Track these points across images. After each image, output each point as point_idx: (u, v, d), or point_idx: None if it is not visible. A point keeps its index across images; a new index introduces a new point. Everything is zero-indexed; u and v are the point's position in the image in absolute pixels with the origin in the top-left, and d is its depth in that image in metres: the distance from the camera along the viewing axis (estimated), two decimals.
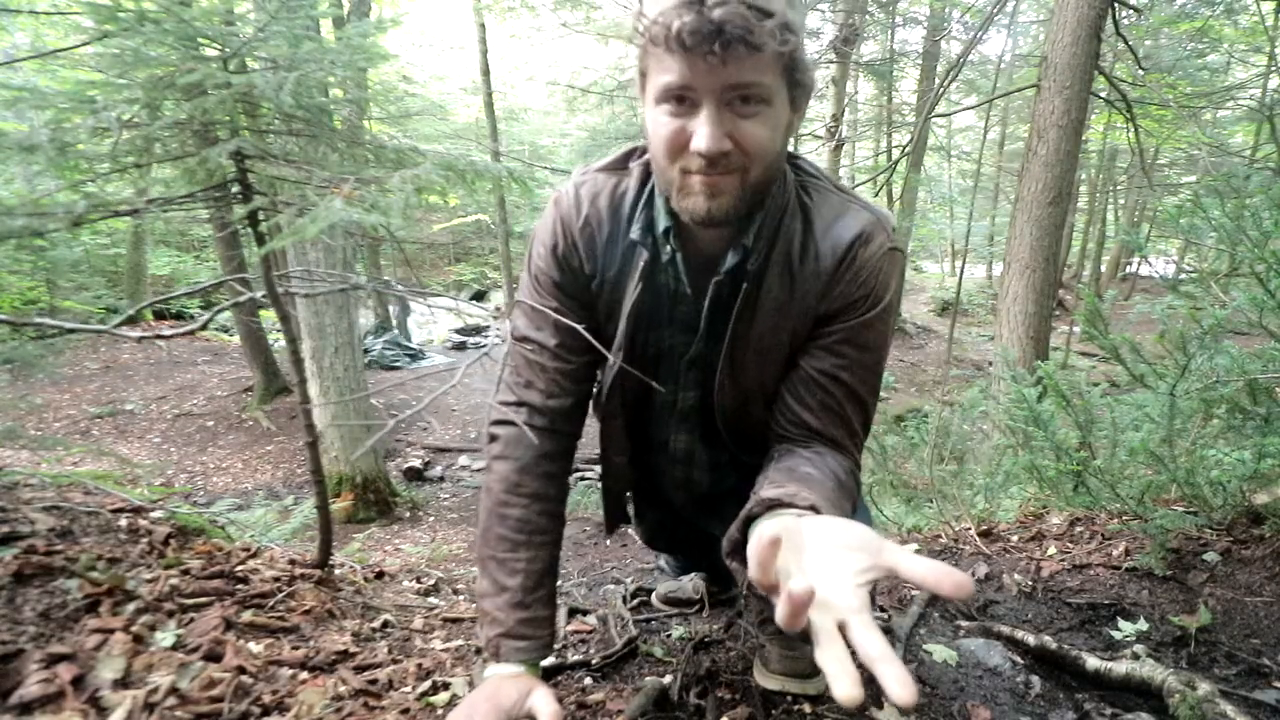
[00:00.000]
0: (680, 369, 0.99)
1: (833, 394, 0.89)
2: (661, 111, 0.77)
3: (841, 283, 0.86)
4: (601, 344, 0.95)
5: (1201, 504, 1.77)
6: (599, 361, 1.00)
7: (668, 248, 0.88)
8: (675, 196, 0.81)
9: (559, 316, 0.94)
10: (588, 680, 1.25)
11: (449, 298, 1.40)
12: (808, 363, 0.90)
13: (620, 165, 0.95)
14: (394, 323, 11.18)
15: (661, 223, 0.88)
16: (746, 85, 0.72)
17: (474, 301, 15.76)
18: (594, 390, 1.06)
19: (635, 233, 0.90)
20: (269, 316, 7.24)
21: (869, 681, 1.37)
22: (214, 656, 1.06)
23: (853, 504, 0.87)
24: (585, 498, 4.97)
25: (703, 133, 0.74)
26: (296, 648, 1.19)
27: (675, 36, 0.69)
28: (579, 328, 0.93)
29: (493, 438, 1.00)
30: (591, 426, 1.10)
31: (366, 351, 8.60)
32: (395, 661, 1.25)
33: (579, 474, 5.29)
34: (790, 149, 0.90)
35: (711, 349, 0.94)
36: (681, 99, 0.75)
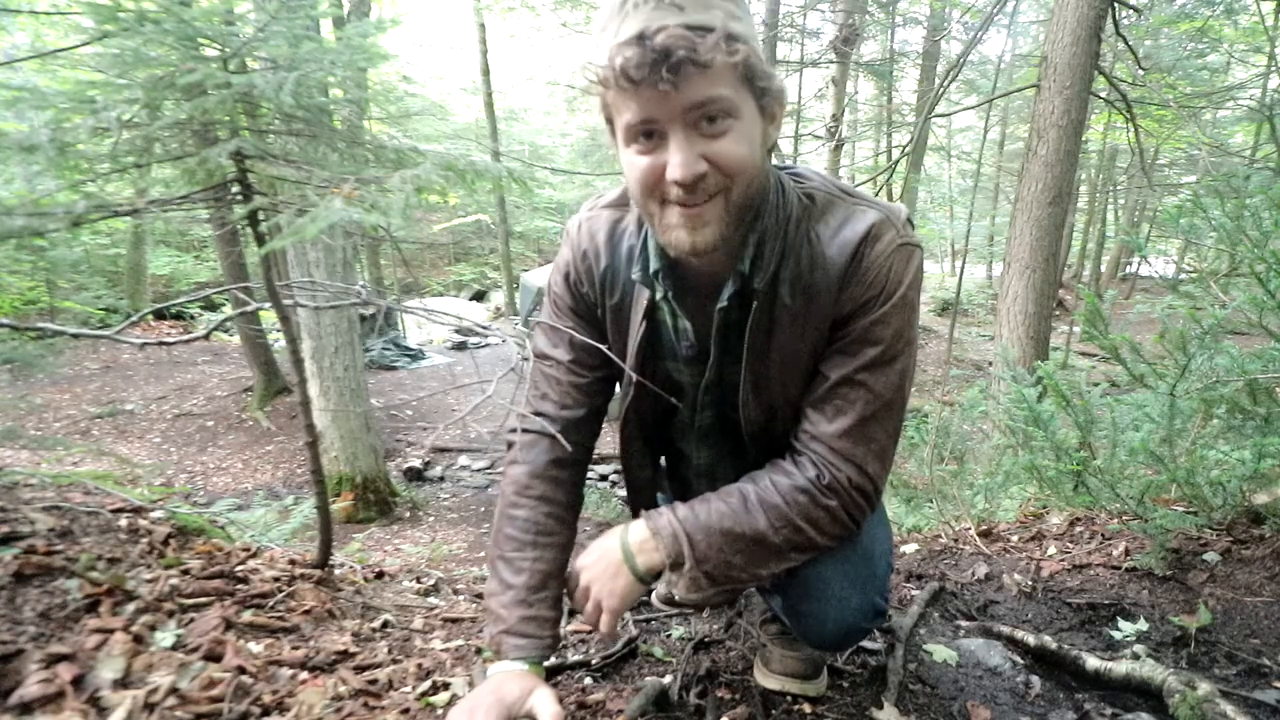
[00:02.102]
0: (696, 395, 1.02)
1: (847, 397, 0.87)
2: (632, 152, 0.78)
3: (852, 284, 0.85)
4: (614, 367, 1.02)
5: (1201, 504, 1.77)
6: (611, 376, 1.06)
7: (660, 288, 0.91)
8: (659, 232, 0.83)
9: (575, 334, 1.01)
10: (588, 680, 1.25)
11: (440, 311, 1.40)
12: (825, 367, 0.89)
13: (623, 201, 0.99)
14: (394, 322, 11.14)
15: (653, 263, 0.90)
16: (707, 102, 0.72)
17: (474, 301, 15.76)
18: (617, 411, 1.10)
19: (635, 273, 0.93)
20: (269, 317, 7.24)
21: (869, 682, 1.37)
22: (214, 656, 1.06)
23: (771, 516, 0.86)
24: (584, 496, 4.96)
25: (675, 161, 0.74)
26: (296, 648, 1.19)
27: (622, 73, 0.70)
28: (602, 347, 0.99)
29: (509, 445, 1.06)
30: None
31: (366, 351, 8.61)
32: (395, 661, 1.25)
33: None
34: (790, 159, 0.90)
35: (728, 371, 0.95)
36: (649, 134, 0.76)
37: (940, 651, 1.37)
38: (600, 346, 1.00)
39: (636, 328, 0.96)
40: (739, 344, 0.91)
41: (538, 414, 1.03)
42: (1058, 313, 8.95)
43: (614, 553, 0.92)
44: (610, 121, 0.81)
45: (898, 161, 6.07)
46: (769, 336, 0.90)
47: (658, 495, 1.20)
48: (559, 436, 1.01)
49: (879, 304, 0.85)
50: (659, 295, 0.92)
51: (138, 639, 1.03)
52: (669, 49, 0.68)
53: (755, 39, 0.76)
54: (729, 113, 0.74)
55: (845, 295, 0.85)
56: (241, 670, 1.04)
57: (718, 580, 0.88)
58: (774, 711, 1.15)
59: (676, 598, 0.90)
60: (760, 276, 0.86)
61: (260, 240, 1.21)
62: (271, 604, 1.30)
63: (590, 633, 1.45)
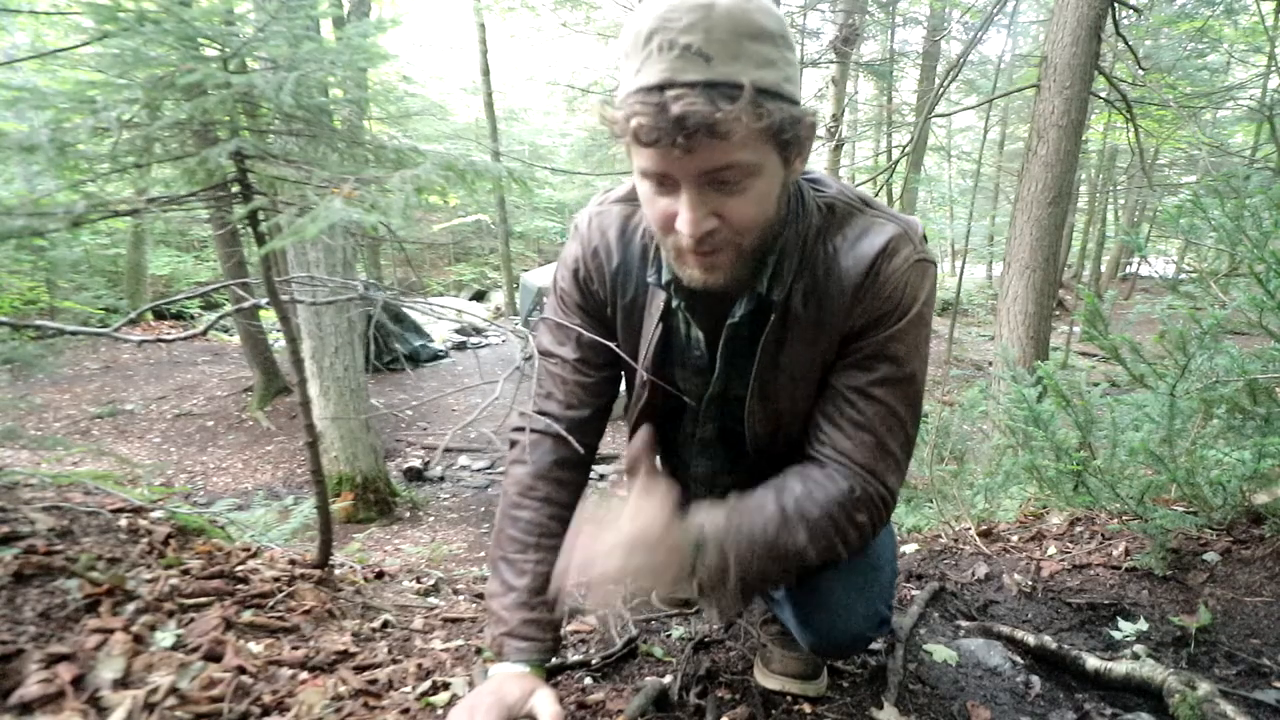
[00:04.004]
0: (699, 407, 1.01)
1: (864, 411, 0.86)
2: (647, 187, 0.76)
3: (867, 298, 0.84)
4: (622, 366, 1.01)
5: (1201, 504, 1.77)
6: (617, 376, 1.04)
7: (674, 299, 0.90)
8: (674, 264, 0.82)
9: (583, 332, 0.98)
10: (588, 680, 1.25)
11: (442, 306, 1.40)
12: (839, 380, 0.88)
13: (634, 196, 0.96)
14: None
15: (665, 274, 0.89)
16: (722, 169, 0.70)
17: (474, 301, 15.76)
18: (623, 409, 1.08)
19: (651, 276, 0.91)
20: (269, 317, 7.24)
21: (869, 682, 1.36)
22: (214, 656, 1.06)
23: (812, 532, 0.82)
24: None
25: (684, 218, 0.72)
26: (296, 648, 1.19)
27: (634, 135, 0.68)
28: (613, 346, 0.98)
29: (512, 444, 1.04)
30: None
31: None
32: (395, 661, 1.25)
33: None
34: (808, 167, 0.89)
35: (733, 384, 0.95)
36: (662, 180, 0.73)
37: (940, 651, 1.37)
38: (611, 345, 0.98)
39: (651, 330, 0.94)
40: (748, 357, 0.90)
41: (542, 413, 1.02)
42: (1058, 313, 8.94)
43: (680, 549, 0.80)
44: (628, 146, 0.78)
45: (898, 161, 6.07)
46: (779, 348, 0.89)
47: None
48: (566, 436, 0.99)
49: (894, 320, 0.84)
50: (674, 304, 0.91)
51: (138, 639, 1.03)
52: (684, 117, 0.64)
53: (791, 77, 0.71)
54: (747, 173, 0.72)
55: (859, 309, 0.84)
56: (241, 670, 1.04)
57: (750, 592, 0.85)
58: (774, 711, 1.15)
59: (709, 622, 0.87)
60: (779, 290, 0.85)
61: (260, 240, 1.21)
62: (271, 604, 1.30)
63: (589, 632, 1.45)
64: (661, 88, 0.66)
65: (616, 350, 0.98)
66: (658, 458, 1.20)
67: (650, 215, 0.78)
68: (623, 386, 1.09)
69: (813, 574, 0.93)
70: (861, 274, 0.83)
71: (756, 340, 0.89)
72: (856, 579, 0.98)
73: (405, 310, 8.90)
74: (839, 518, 0.84)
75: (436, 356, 9.81)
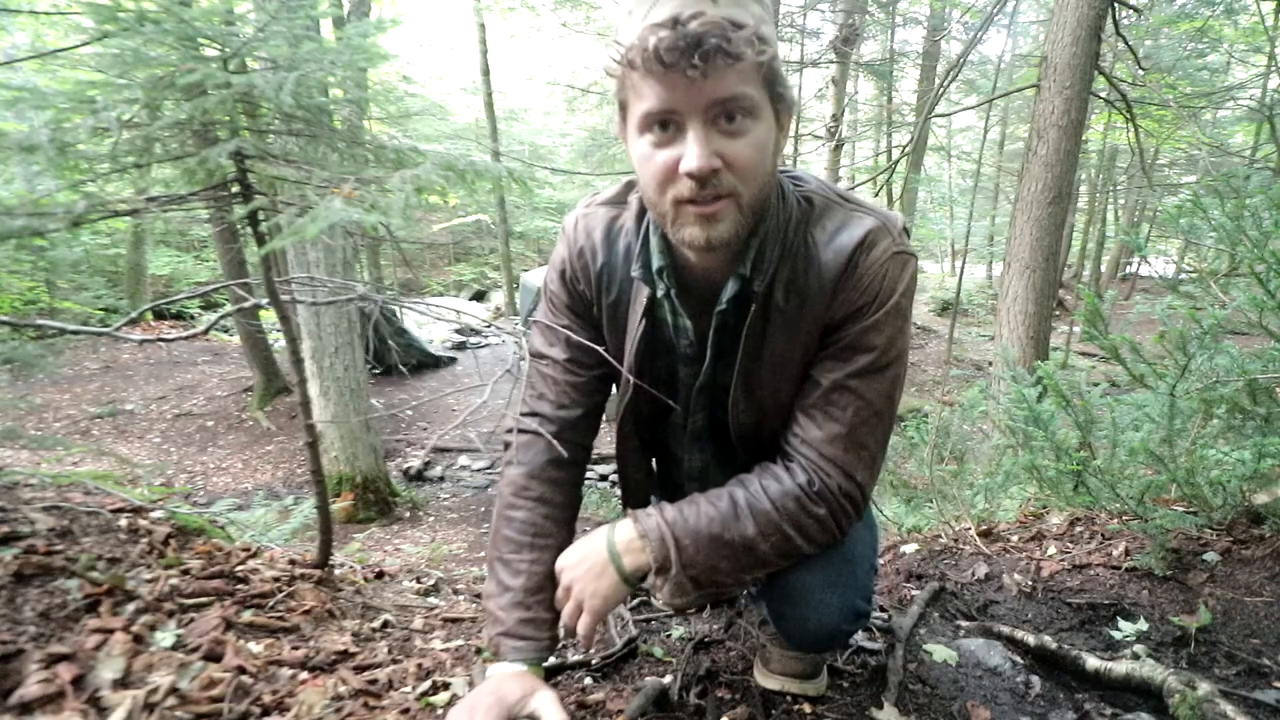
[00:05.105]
0: (691, 395, 1.01)
1: (838, 403, 0.87)
2: (645, 142, 0.77)
3: (846, 289, 0.85)
4: (611, 366, 1.01)
5: (1201, 504, 1.77)
6: (609, 375, 1.05)
7: (662, 285, 0.90)
8: (671, 228, 0.81)
9: (570, 334, 1.00)
10: (588, 680, 1.25)
11: (441, 307, 1.40)
12: (817, 372, 0.89)
13: (620, 199, 0.99)
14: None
15: (656, 261, 0.90)
16: (730, 99, 0.72)
17: (474, 301, 15.76)
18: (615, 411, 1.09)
19: (636, 270, 0.92)
20: (269, 317, 7.24)
21: (869, 682, 1.37)
22: (214, 656, 1.06)
23: (761, 524, 0.86)
24: (584, 497, 4.97)
25: (691, 152, 0.73)
26: (296, 648, 1.19)
27: (654, 55, 0.69)
28: (599, 349, 0.99)
29: (506, 445, 1.05)
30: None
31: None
32: (395, 661, 1.25)
33: None
34: (790, 164, 0.90)
35: (721, 373, 0.95)
36: (665, 124, 0.74)
37: (940, 651, 1.37)
38: (596, 348, 0.99)
39: (635, 326, 0.95)
40: (734, 346, 0.91)
41: (535, 414, 1.03)
42: (1058, 313, 8.95)
43: (599, 553, 0.91)
44: (624, 107, 0.79)
45: (898, 161, 6.07)
46: (762, 338, 0.89)
47: (650, 497, 1.20)
48: (552, 440, 1.00)
49: (872, 310, 0.85)
50: (660, 293, 0.91)
51: (138, 639, 1.03)
52: (702, 36, 0.68)
53: (774, 40, 0.76)
54: (750, 112, 0.74)
55: (838, 300, 0.85)
56: (241, 670, 1.04)
57: (702, 584, 0.88)
58: (774, 711, 1.15)
59: (660, 602, 0.89)
60: (760, 279, 0.86)
61: (260, 240, 1.21)
62: (271, 604, 1.30)
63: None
64: (675, 19, 0.69)
65: (603, 354, 0.99)
66: (653, 461, 1.20)
67: (649, 175, 0.78)
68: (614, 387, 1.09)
69: (785, 568, 0.94)
70: (841, 266, 0.84)
71: (740, 332, 0.89)
72: (830, 573, 0.98)
73: (405, 311, 8.89)
74: (793, 511, 0.86)
75: (439, 362, 9.79)
